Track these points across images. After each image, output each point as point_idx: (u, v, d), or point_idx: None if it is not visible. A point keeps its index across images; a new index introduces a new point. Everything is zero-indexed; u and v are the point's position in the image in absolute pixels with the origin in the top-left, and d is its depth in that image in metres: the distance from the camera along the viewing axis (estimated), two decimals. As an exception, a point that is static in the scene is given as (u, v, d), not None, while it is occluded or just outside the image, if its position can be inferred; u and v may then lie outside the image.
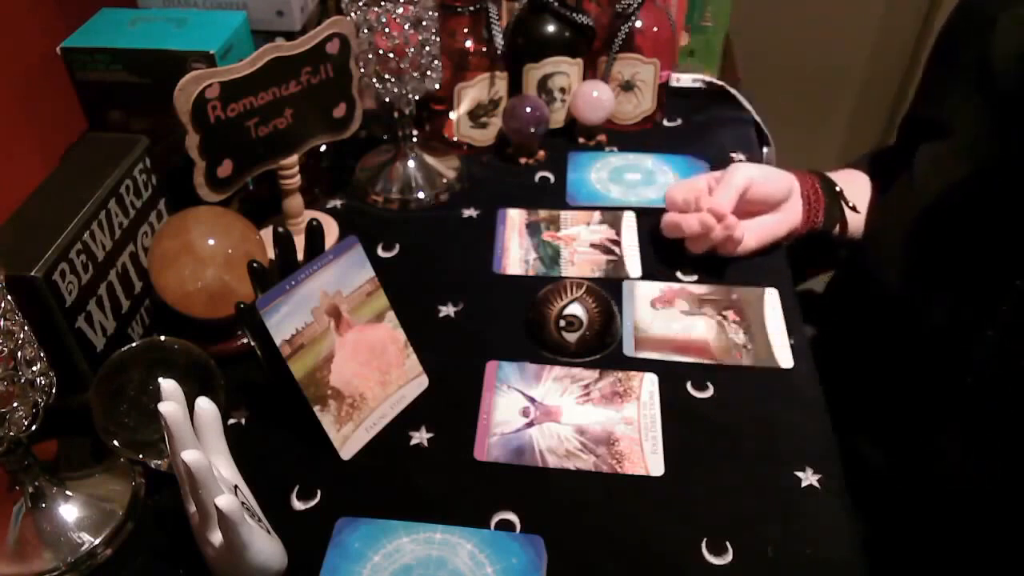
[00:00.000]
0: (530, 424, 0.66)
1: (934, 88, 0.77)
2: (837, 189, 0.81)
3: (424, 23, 0.78)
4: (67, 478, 0.59)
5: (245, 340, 0.69)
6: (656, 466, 0.62)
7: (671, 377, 0.69)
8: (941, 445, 0.65)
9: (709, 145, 0.97)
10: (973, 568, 0.66)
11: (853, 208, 0.81)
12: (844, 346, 0.81)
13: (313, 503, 0.60)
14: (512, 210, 0.88)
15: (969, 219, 0.66)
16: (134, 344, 0.61)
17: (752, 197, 0.77)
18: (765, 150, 1.00)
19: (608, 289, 0.76)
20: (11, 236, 0.61)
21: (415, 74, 0.80)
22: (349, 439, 0.63)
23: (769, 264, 0.80)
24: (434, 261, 0.82)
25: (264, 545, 0.51)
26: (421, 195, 0.89)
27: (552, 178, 0.93)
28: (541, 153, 0.96)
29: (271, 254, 0.66)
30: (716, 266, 0.80)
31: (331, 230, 0.84)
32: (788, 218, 0.80)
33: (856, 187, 0.83)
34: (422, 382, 0.69)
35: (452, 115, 0.94)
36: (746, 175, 0.76)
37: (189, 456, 0.47)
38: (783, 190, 0.78)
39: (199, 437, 0.52)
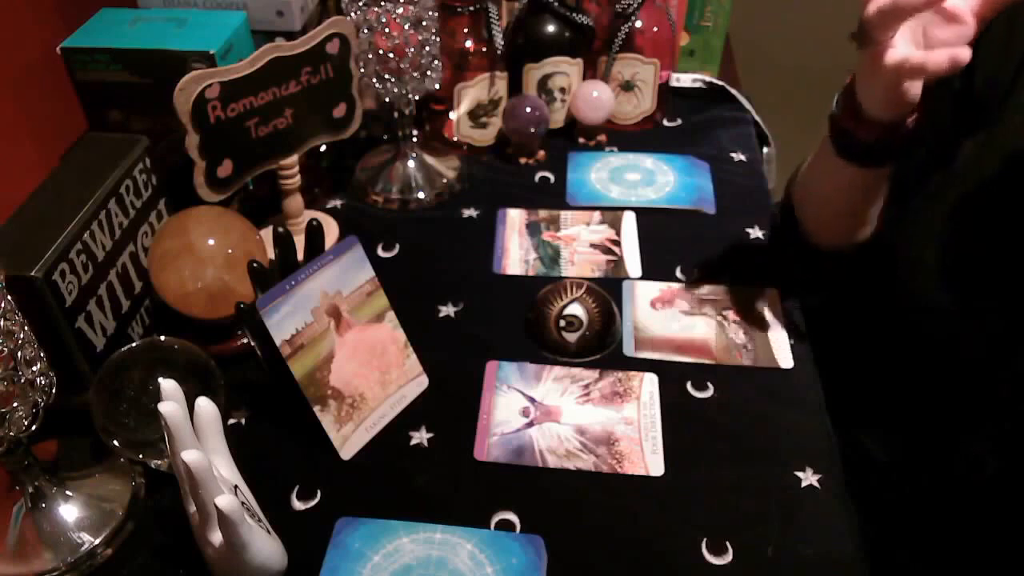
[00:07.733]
0: (530, 424, 0.66)
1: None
2: None
3: (424, 23, 0.78)
4: (67, 478, 0.59)
5: (245, 340, 0.69)
6: (656, 466, 0.62)
7: (671, 377, 0.69)
8: (970, 450, 0.64)
9: (709, 145, 0.97)
10: (975, 568, 0.65)
11: None
12: (854, 345, 0.78)
13: (313, 503, 0.60)
14: (512, 210, 0.88)
15: (1015, 220, 0.60)
16: (134, 344, 0.61)
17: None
18: (765, 150, 1.00)
19: (608, 289, 0.76)
20: (11, 236, 0.61)
21: (415, 74, 0.80)
22: (349, 439, 0.63)
23: (769, 264, 0.81)
24: (434, 261, 0.82)
25: (264, 545, 0.51)
26: (421, 195, 0.89)
27: (552, 178, 0.93)
28: (541, 153, 0.96)
29: (271, 254, 0.66)
30: (716, 266, 0.80)
31: (331, 230, 0.84)
32: None
33: None
34: (422, 382, 0.69)
35: (452, 115, 0.94)
36: None
37: (189, 456, 0.47)
38: None
39: (199, 437, 0.52)
